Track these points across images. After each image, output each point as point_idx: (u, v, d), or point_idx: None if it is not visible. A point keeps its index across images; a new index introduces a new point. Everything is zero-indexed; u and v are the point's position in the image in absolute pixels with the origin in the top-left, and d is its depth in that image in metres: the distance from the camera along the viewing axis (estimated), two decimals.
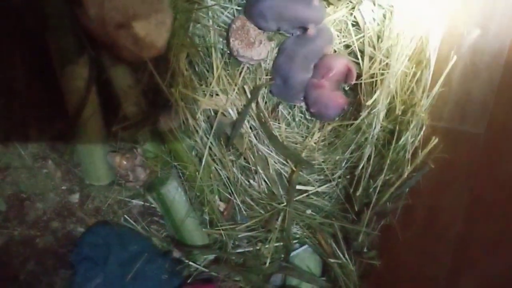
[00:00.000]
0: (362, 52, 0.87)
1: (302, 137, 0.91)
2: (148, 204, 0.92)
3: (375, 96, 0.76)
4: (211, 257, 0.89)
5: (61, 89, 0.83)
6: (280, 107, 0.92)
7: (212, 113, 0.85)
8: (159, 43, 0.80)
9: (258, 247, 0.87)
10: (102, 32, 0.78)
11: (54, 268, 0.91)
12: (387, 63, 0.75)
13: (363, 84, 0.80)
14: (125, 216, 0.92)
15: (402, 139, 0.74)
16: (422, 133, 0.74)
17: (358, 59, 0.86)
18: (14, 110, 0.87)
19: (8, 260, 0.90)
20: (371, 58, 0.85)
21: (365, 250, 0.80)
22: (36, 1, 0.81)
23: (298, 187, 0.85)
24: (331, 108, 0.85)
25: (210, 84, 0.84)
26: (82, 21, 0.78)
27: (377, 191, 0.75)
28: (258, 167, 0.84)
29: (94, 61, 0.82)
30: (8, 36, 0.83)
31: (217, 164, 0.84)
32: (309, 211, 0.85)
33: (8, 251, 0.89)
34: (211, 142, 0.82)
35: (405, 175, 0.74)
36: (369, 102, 0.76)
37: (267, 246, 0.86)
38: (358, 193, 0.77)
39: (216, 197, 0.86)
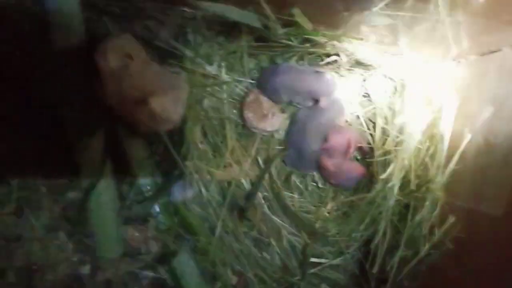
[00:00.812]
0: (373, 122, 0.88)
1: (315, 206, 0.91)
2: (158, 276, 0.91)
3: (389, 170, 0.76)
4: None
5: (76, 160, 0.83)
6: (293, 176, 0.92)
7: (226, 184, 0.85)
8: (175, 118, 0.82)
9: None
10: (119, 107, 0.79)
11: None
12: (400, 139, 0.75)
13: (375, 156, 0.81)
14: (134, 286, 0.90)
15: (418, 216, 0.73)
16: (438, 209, 0.73)
17: (369, 129, 0.87)
18: (28, 180, 0.87)
19: None
20: (383, 129, 0.86)
21: None
22: (54, 77, 0.83)
23: (312, 259, 0.83)
24: (350, 179, 0.86)
25: (224, 156, 0.85)
26: (100, 96, 0.80)
27: (394, 269, 0.74)
28: (271, 239, 0.83)
29: (109, 134, 0.83)
30: (26, 108, 0.85)
31: (229, 236, 0.83)
32: (323, 285, 0.83)
33: None
34: (224, 214, 0.82)
35: (422, 253, 0.73)
36: (384, 176, 0.76)
37: None
38: (374, 270, 0.75)
39: (228, 270, 0.84)
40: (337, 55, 0.82)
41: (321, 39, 0.78)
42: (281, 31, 0.77)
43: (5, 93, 0.82)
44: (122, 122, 0.84)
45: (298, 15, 0.72)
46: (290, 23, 0.76)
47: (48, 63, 0.85)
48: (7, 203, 0.86)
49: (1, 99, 0.82)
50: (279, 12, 0.73)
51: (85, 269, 0.90)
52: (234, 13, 0.74)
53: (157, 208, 0.87)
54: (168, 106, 0.81)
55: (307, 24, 0.74)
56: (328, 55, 0.83)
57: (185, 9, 0.81)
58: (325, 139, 0.89)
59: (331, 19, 0.73)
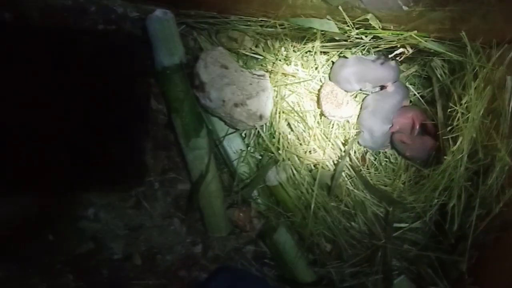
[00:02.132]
0: (435, 101, 1.01)
1: (390, 179, 1.05)
2: (259, 249, 1.07)
3: (458, 143, 0.89)
4: None
5: (185, 157, 0.99)
6: (368, 154, 1.06)
7: (313, 167, 1.00)
8: (266, 114, 0.96)
9: (362, 281, 1.00)
10: (220, 110, 0.94)
11: None
12: (466, 116, 0.88)
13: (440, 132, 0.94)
14: (241, 261, 1.06)
15: (489, 180, 0.86)
16: (505, 173, 0.86)
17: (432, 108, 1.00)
18: (143, 176, 1.03)
19: None
20: (444, 106, 0.98)
21: (464, 277, 0.92)
22: (161, 89, 0.98)
23: (394, 225, 0.98)
24: (424, 151, 1.00)
25: (308, 143, 0.99)
26: (203, 103, 0.95)
27: (472, 226, 0.87)
28: (357, 210, 0.98)
29: (211, 133, 0.99)
30: (139, 117, 1.01)
31: (321, 211, 0.98)
32: (405, 246, 0.98)
33: None
34: (315, 193, 0.96)
35: (496, 210, 0.86)
36: (454, 148, 0.89)
37: (370, 279, 0.99)
38: (454, 229, 0.89)
39: (323, 239, 0.99)
40: (403, 46, 0.94)
41: (390, 37, 0.91)
42: (354, 32, 0.90)
43: (120, 107, 0.97)
44: (221, 121, 0.99)
45: (372, 19, 0.85)
46: (361, 25, 0.89)
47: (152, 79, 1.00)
48: (128, 199, 1.03)
49: (119, 113, 0.98)
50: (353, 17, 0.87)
51: (198, 248, 1.07)
52: (316, 23, 0.87)
53: (255, 192, 1.02)
54: (261, 106, 0.95)
55: (378, 25, 0.87)
56: (394, 47, 0.95)
57: (264, 19, 0.94)
58: (393, 119, 1.03)
59: (398, 19, 0.86)
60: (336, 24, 0.88)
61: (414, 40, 0.87)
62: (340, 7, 0.83)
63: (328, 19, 0.87)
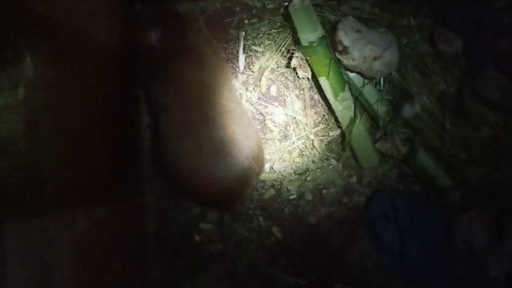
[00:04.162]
0: None
1: None
2: (403, 171, 1.34)
3: None
4: None
5: (335, 109, 1.27)
6: None
7: (440, 94, 1.26)
8: (394, 64, 1.22)
9: (491, 178, 1.26)
10: (362, 65, 1.21)
11: (352, 231, 1.34)
12: None
13: None
14: (390, 182, 1.34)
15: None
16: None
17: None
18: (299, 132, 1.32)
19: (320, 233, 1.36)
20: None
21: None
22: (308, 60, 1.25)
23: None
24: None
25: (433, 80, 1.25)
26: (346, 63, 1.22)
27: None
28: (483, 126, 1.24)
29: (352, 86, 1.26)
30: (291, 85, 1.29)
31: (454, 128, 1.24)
32: None
33: (319, 227, 1.35)
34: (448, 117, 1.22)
35: None
36: None
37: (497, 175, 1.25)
38: None
39: (458, 150, 1.26)
40: None
41: None
42: None
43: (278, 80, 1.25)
44: (360, 74, 1.25)
45: None
46: None
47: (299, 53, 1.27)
48: (293, 151, 1.32)
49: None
50: None
51: (353, 179, 1.35)
52: None
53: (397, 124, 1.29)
54: (393, 54, 1.21)
55: None
56: None
57: None
58: None
59: None
60: None
61: None
62: None
63: None
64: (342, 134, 1.29)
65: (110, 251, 0.98)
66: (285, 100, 1.32)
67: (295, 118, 1.32)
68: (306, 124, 1.32)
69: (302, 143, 1.32)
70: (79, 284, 0.80)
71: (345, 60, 1.20)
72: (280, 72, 1.32)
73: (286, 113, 1.32)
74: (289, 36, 1.29)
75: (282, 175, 1.31)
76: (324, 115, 1.32)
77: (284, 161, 1.31)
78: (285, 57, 1.31)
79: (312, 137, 1.32)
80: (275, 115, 1.32)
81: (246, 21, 1.30)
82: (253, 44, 1.32)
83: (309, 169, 1.32)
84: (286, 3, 1.25)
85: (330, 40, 1.21)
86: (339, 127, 1.30)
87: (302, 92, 1.32)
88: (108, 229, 0.97)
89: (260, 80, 1.32)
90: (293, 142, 1.31)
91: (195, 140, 1.07)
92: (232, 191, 1.15)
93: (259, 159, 1.20)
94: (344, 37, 1.18)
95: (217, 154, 1.07)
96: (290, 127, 1.32)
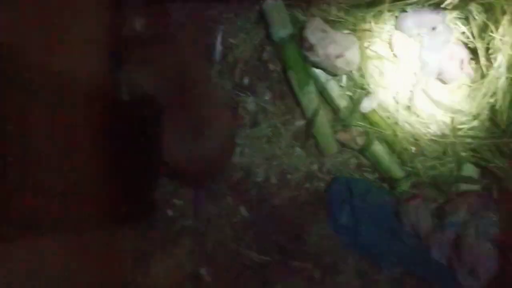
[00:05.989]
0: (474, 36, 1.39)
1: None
2: (360, 161, 1.47)
3: (498, 59, 1.28)
4: None
5: (300, 101, 1.40)
6: None
7: (395, 94, 1.40)
8: (356, 61, 1.36)
9: (439, 170, 1.41)
10: (326, 62, 1.35)
11: (313, 212, 1.45)
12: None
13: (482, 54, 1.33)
14: (348, 171, 1.48)
15: None
16: None
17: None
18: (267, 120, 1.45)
19: (283, 213, 1.46)
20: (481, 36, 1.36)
21: None
22: (278, 54, 1.39)
23: (458, 126, 1.38)
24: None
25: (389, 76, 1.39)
26: (311, 59, 1.36)
27: None
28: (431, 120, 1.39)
29: (316, 81, 1.40)
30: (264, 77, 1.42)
31: (406, 125, 1.38)
32: (468, 139, 1.38)
33: (283, 208, 1.46)
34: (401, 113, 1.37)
35: None
36: (496, 64, 1.28)
37: (444, 168, 1.40)
38: (504, 117, 1.29)
39: (408, 144, 1.40)
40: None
41: None
42: None
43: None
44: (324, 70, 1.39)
45: None
46: None
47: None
48: (262, 137, 1.45)
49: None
50: None
51: (315, 166, 1.48)
52: None
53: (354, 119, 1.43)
54: (354, 54, 1.36)
55: None
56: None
57: None
58: None
59: None
60: None
61: None
62: None
63: None
64: (307, 124, 1.41)
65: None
66: (256, 90, 1.44)
67: (265, 107, 1.43)
68: (275, 114, 1.43)
69: (271, 131, 1.44)
70: None
71: (311, 57, 1.33)
72: (252, 64, 1.43)
73: (257, 103, 1.43)
74: (263, 31, 1.41)
75: (251, 159, 1.43)
76: (291, 106, 1.44)
77: (253, 146, 1.43)
78: (258, 50, 1.43)
79: (279, 125, 1.44)
80: (247, 103, 1.44)
81: (224, 15, 1.42)
82: (229, 37, 1.43)
83: (276, 155, 1.43)
84: (261, 1, 1.36)
85: (299, 37, 1.34)
86: (304, 118, 1.41)
87: (272, 83, 1.44)
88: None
89: (234, 71, 1.43)
90: (262, 130, 1.42)
91: (174, 122, 1.19)
92: (208, 170, 1.27)
93: (231, 142, 1.32)
94: (311, 35, 1.31)
95: (195, 135, 1.19)
96: (260, 115, 1.43)
